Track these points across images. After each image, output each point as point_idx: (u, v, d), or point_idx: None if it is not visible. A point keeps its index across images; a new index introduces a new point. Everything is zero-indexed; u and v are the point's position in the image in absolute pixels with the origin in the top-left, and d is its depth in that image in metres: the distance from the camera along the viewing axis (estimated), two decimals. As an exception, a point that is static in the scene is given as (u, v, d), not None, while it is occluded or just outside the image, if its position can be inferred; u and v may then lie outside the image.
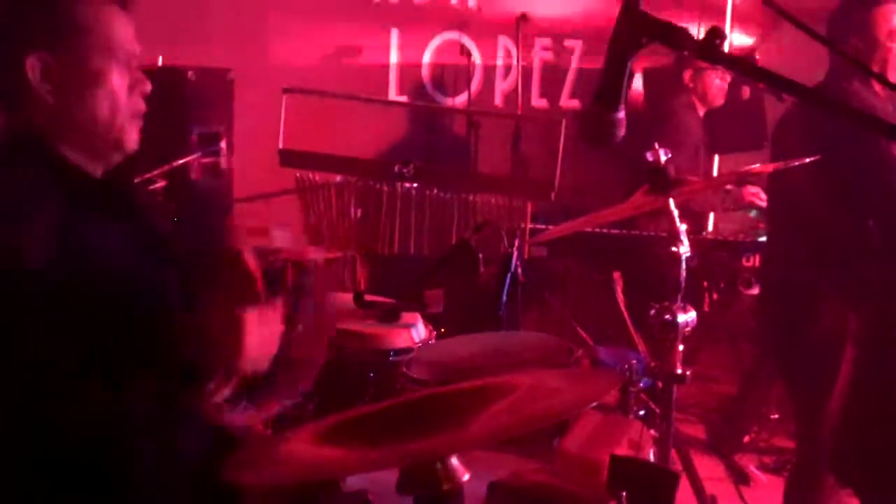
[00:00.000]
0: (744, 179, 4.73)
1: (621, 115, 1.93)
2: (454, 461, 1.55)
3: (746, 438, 5.00)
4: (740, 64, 1.79)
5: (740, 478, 4.62)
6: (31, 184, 1.99)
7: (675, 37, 1.84)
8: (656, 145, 2.62)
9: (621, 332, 4.90)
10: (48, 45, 2.02)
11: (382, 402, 1.80)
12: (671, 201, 2.59)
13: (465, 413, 1.54)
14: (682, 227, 2.57)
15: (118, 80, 2.08)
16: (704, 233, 5.39)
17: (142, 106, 2.14)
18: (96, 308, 1.92)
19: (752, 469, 4.73)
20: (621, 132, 1.94)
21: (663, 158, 2.60)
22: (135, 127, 2.13)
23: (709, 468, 4.51)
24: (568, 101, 6.54)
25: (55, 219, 1.93)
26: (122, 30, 2.10)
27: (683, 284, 2.54)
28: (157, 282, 2.14)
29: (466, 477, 1.56)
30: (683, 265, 2.56)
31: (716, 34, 1.80)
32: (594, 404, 2.11)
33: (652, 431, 2.74)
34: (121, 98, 2.09)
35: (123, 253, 2.09)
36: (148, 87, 2.14)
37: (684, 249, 2.56)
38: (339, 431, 1.69)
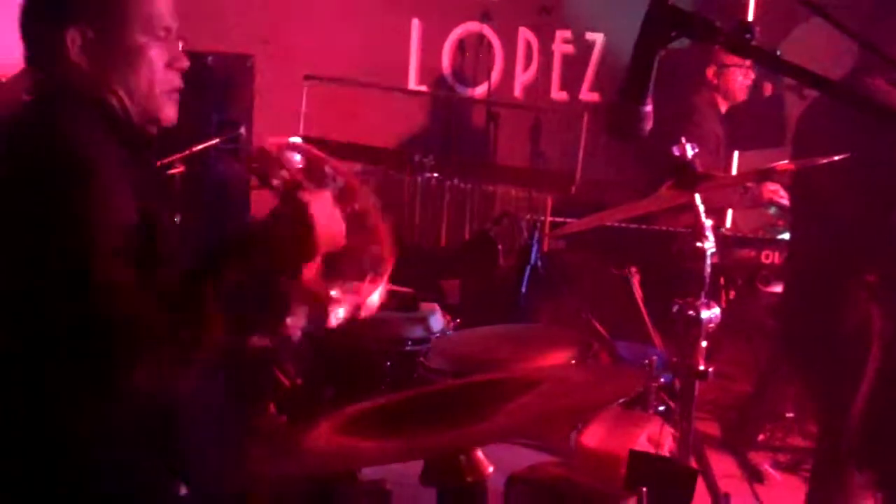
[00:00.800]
0: (766, 176, 4.70)
1: (648, 108, 1.92)
2: (479, 453, 1.55)
3: (761, 436, 4.97)
4: (770, 59, 1.76)
5: (755, 476, 4.60)
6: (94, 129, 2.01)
7: (704, 30, 1.83)
8: (683, 140, 2.60)
9: (637, 327, 4.89)
10: (89, 19, 2.04)
11: (404, 393, 1.79)
12: (697, 196, 2.58)
13: (490, 405, 1.53)
14: (708, 223, 2.55)
15: (156, 56, 2.11)
16: (723, 229, 5.37)
17: (178, 81, 2.16)
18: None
19: (767, 467, 4.70)
20: (648, 126, 1.93)
21: (690, 153, 2.58)
22: (172, 102, 2.16)
23: (723, 466, 4.49)
24: (588, 94, 6.52)
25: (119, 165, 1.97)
26: (162, 5, 2.13)
27: (708, 280, 2.53)
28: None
29: (491, 469, 1.56)
30: (708, 261, 2.55)
31: (745, 28, 1.78)
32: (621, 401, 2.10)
33: (670, 428, 2.73)
34: (158, 73, 2.11)
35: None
36: (185, 63, 2.16)
37: (709, 245, 2.54)
38: (361, 422, 1.68)
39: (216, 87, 4.80)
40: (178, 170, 4.28)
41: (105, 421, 1.90)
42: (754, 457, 4.80)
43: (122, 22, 2.07)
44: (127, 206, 1.93)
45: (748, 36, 1.79)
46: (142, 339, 1.81)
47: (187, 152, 4.26)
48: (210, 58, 4.79)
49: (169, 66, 2.14)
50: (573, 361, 2.86)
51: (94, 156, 1.91)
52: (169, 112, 2.15)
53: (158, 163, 4.09)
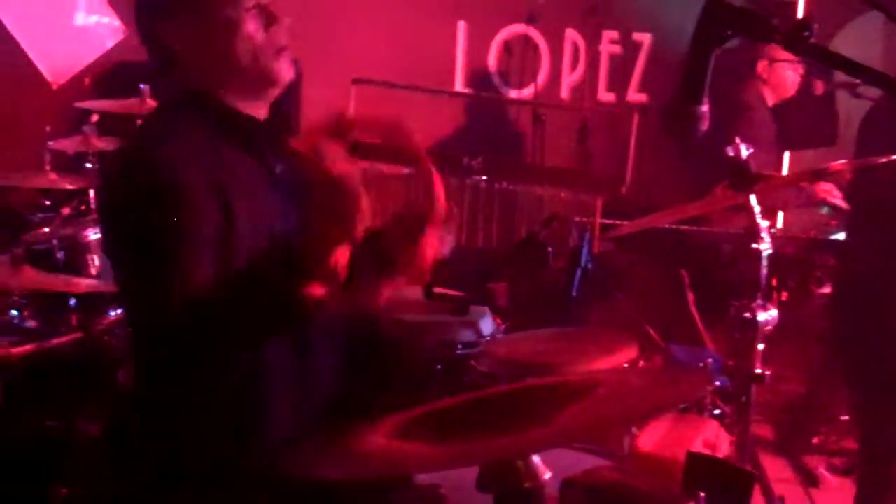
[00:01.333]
0: (821, 175, 4.64)
1: (705, 108, 1.90)
2: (536, 459, 1.53)
3: (816, 440, 4.91)
4: (829, 56, 1.73)
5: (809, 479, 4.54)
6: (190, 127, 2.17)
7: (761, 29, 1.81)
8: (738, 140, 2.57)
9: (687, 330, 4.85)
10: (182, 10, 2.18)
11: (460, 398, 1.78)
12: (752, 197, 2.54)
13: (548, 410, 1.51)
14: (765, 224, 2.52)
15: (251, 23, 2.21)
16: (774, 230, 5.30)
17: (281, 38, 2.25)
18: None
19: (822, 470, 4.64)
20: (705, 126, 1.91)
21: (745, 153, 2.55)
22: (283, 59, 2.25)
23: (777, 469, 4.44)
24: (635, 95, 6.48)
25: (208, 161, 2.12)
26: None
27: (764, 282, 2.50)
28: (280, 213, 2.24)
29: (548, 475, 1.54)
30: (764, 263, 2.51)
31: (803, 26, 1.75)
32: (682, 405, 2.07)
33: (726, 431, 2.70)
34: (257, 39, 2.21)
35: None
36: (286, 19, 2.26)
37: (765, 246, 2.51)
38: (417, 426, 1.67)
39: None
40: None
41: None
42: (809, 460, 4.74)
43: (212, 3, 2.18)
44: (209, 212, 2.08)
45: (806, 34, 1.76)
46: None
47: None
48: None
49: (267, 27, 2.23)
50: (630, 365, 2.84)
51: (176, 179, 2.05)
52: (283, 71, 2.25)
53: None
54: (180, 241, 2.04)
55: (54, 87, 5.24)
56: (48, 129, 4.54)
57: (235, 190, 2.14)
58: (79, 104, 4.71)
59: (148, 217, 2.05)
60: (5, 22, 5.09)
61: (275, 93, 2.28)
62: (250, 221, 2.15)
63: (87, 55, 5.28)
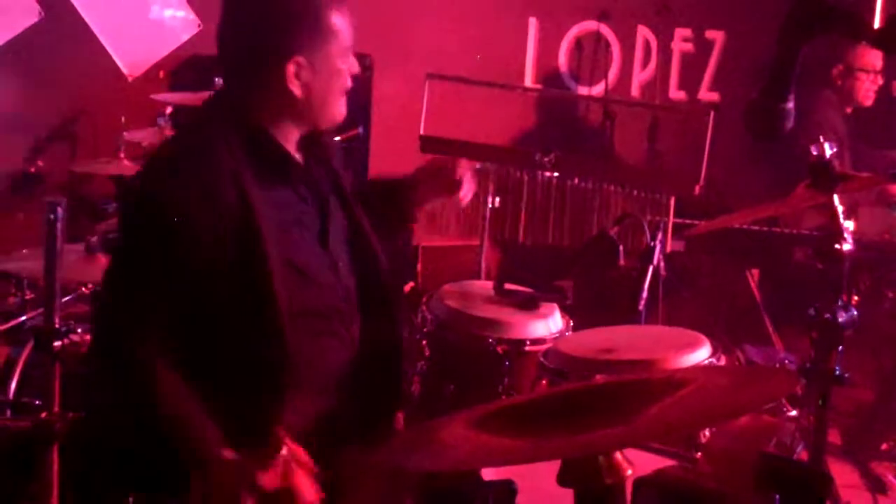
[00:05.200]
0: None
1: (790, 105, 1.88)
2: (618, 455, 1.52)
3: (885, 446, 4.83)
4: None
5: (877, 486, 4.46)
6: (224, 152, 2.25)
7: (853, 27, 1.79)
8: (821, 139, 2.53)
9: (755, 330, 4.80)
10: (307, 51, 2.28)
11: (538, 393, 1.78)
12: (835, 198, 2.51)
13: (632, 407, 1.50)
14: (848, 225, 2.49)
15: (349, 74, 2.37)
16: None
17: (350, 83, 2.39)
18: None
19: (891, 478, 4.57)
20: (790, 124, 1.90)
21: (828, 153, 2.51)
22: (343, 101, 2.40)
23: (844, 475, 4.37)
24: (707, 94, 6.42)
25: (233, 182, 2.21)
26: (352, 29, 2.36)
27: (846, 283, 2.47)
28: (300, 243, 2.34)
29: (630, 472, 1.53)
30: (846, 263, 2.48)
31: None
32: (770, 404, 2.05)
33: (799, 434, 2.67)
34: (348, 87, 2.38)
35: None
36: (357, 68, 2.40)
37: (847, 247, 2.48)
38: (495, 420, 1.67)
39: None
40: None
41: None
42: (876, 467, 4.67)
43: (332, 51, 2.31)
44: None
45: (896, 32, 1.73)
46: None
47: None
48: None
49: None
50: (709, 363, 2.81)
51: (177, 222, 2.16)
52: (342, 110, 2.40)
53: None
54: (152, 286, 2.17)
55: (130, 79, 5.32)
56: (123, 120, 4.62)
57: (262, 223, 2.22)
58: (153, 96, 4.78)
59: (136, 250, 2.22)
60: (84, 15, 5.18)
61: (325, 127, 2.43)
62: (277, 253, 2.23)
63: (161, 48, 5.35)
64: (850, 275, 4.81)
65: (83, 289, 3.72)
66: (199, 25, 5.33)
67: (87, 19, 5.19)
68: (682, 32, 6.31)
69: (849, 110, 5.27)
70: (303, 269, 2.31)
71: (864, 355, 5.41)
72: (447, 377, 3.39)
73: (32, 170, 5.14)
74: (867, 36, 1.70)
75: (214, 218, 2.16)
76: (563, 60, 6.19)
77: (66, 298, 3.55)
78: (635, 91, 6.34)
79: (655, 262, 3.32)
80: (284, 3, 2.31)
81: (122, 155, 4.49)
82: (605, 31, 6.12)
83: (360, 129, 5.14)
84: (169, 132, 4.44)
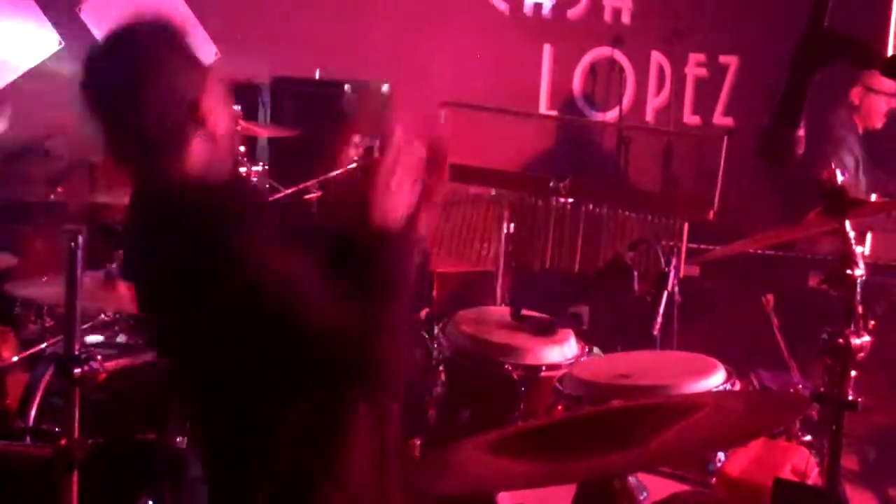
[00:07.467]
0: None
1: (801, 132, 1.89)
2: (632, 479, 1.54)
3: (903, 472, 4.82)
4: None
5: (896, 512, 4.46)
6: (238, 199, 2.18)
7: (863, 56, 1.80)
8: (833, 164, 2.54)
9: (771, 355, 4.78)
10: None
11: (554, 417, 1.79)
12: (847, 223, 2.52)
13: (647, 431, 1.51)
14: (860, 250, 2.49)
15: None
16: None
17: None
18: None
19: (909, 503, 4.56)
20: (801, 150, 1.91)
21: (840, 179, 2.52)
22: None
23: (862, 501, 4.36)
24: (721, 119, 6.44)
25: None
26: None
27: (859, 308, 2.47)
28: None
29: (645, 495, 1.54)
30: (858, 288, 2.49)
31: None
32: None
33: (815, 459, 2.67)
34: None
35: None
36: None
37: (859, 272, 2.48)
38: (512, 444, 1.68)
39: (352, 113, 4.91)
40: (313, 195, 4.36)
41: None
42: (894, 493, 4.65)
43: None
44: None
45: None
46: None
47: (323, 178, 4.34)
48: (346, 85, 4.91)
49: None
50: (722, 388, 2.82)
51: None
52: None
53: (294, 188, 4.20)
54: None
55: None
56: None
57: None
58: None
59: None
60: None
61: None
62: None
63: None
64: (865, 299, 4.84)
65: (102, 316, 3.75)
66: (216, 53, 5.37)
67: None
68: (695, 57, 6.34)
69: (861, 131, 5.28)
70: None
71: (881, 380, 5.40)
72: (463, 403, 3.41)
73: (52, 198, 5.18)
74: (876, 65, 1.71)
75: None
76: (577, 86, 6.23)
77: (86, 326, 3.58)
78: (649, 116, 6.37)
79: (670, 287, 3.33)
80: None
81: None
82: (619, 56, 6.16)
83: (377, 154, 5.18)
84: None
